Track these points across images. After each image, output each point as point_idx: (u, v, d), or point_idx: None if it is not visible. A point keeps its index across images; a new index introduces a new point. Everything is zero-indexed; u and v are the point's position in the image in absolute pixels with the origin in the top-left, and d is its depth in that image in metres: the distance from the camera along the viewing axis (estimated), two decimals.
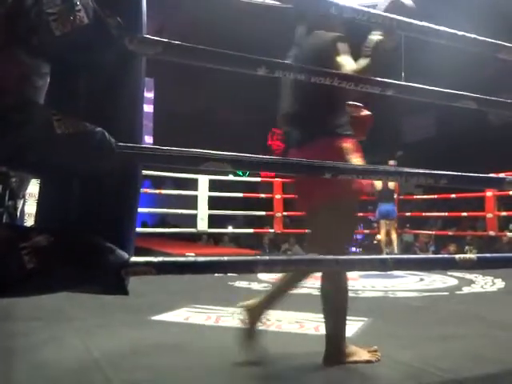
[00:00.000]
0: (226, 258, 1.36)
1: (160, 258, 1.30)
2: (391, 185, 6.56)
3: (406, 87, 1.71)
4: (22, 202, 3.46)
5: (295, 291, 3.73)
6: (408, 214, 8.09)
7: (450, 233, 8.20)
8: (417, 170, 1.67)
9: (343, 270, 1.67)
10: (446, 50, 2.26)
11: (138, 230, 6.80)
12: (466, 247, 7.44)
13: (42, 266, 1.18)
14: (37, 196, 1.33)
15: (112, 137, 1.29)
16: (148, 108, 13.93)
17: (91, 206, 1.27)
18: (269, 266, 1.43)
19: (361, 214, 9.50)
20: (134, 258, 1.27)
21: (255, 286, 4.15)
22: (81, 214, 1.26)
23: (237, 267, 1.46)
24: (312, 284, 4.27)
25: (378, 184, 6.51)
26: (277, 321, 2.58)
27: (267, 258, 1.44)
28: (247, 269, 1.49)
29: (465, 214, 7.56)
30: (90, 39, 1.31)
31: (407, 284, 4.40)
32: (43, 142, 1.25)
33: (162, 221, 11.26)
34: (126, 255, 1.26)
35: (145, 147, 1.37)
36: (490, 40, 1.80)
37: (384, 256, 1.62)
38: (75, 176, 1.27)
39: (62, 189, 1.28)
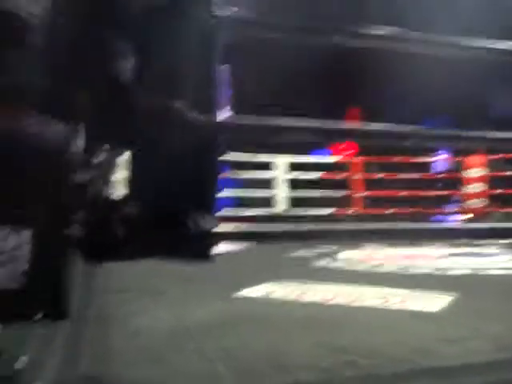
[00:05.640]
0: (311, 227, 1.37)
1: (246, 225, 1.33)
2: None
3: None
4: (112, 186, 3.65)
5: (377, 269, 3.69)
6: (499, 190, 7.65)
7: None
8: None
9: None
10: None
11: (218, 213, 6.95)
12: None
13: (133, 235, 1.26)
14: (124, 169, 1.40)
15: (192, 111, 1.34)
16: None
17: (177, 177, 1.32)
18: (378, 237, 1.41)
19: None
20: (220, 226, 1.31)
21: (336, 264, 4.12)
22: (168, 185, 1.31)
23: (320, 236, 1.46)
24: (395, 262, 4.20)
25: None
26: (358, 296, 2.55)
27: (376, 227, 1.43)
28: (333, 238, 1.49)
29: None
30: (169, 16, 1.35)
31: (499, 262, 4.19)
32: (131, 119, 1.32)
33: (241, 204, 11.39)
34: (211, 223, 1.31)
35: (224, 119, 1.41)
36: None
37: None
38: (161, 149, 1.33)
39: (150, 161, 1.34)
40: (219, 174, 1.44)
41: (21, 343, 1.46)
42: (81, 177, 1.26)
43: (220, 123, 1.41)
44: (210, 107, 1.42)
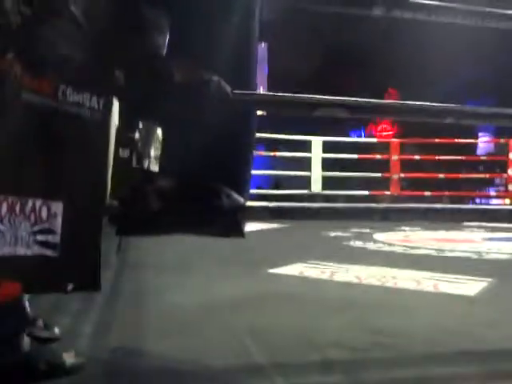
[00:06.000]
0: (341, 205, 1.35)
1: (275, 204, 1.32)
2: None
3: None
4: (147, 161, 3.73)
5: (412, 251, 3.64)
6: None
7: None
8: None
9: None
10: None
11: (252, 191, 6.99)
12: None
13: (165, 208, 1.26)
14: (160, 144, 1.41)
15: (228, 85, 1.33)
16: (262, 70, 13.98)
17: (209, 152, 1.32)
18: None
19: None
20: (249, 203, 1.30)
21: (370, 246, 4.09)
22: (200, 160, 1.31)
23: (355, 216, 1.44)
24: (431, 245, 4.12)
25: None
26: (392, 278, 2.52)
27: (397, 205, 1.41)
28: (362, 216, 1.46)
29: None
30: None
31: None
32: (165, 91, 1.31)
33: (276, 184, 11.40)
34: (242, 199, 1.30)
35: (258, 94, 1.39)
36: None
37: None
38: (194, 123, 1.33)
39: (182, 135, 1.34)
40: (254, 151, 1.43)
41: (55, 313, 1.51)
42: (117, 151, 1.27)
43: (256, 99, 1.39)
44: (248, 83, 1.41)
